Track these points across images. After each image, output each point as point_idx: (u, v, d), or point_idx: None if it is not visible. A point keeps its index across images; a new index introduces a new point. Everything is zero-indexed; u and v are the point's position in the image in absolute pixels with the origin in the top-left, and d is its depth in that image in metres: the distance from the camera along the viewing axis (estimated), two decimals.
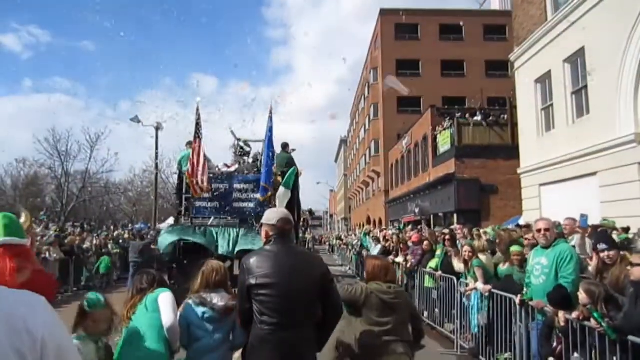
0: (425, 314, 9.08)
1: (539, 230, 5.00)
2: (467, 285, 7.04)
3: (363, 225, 40.68)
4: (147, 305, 3.14)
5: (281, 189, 9.01)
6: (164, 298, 3.19)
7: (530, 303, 4.82)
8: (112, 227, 30.56)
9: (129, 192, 42.67)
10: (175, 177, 35.15)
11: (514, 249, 6.29)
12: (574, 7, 11.66)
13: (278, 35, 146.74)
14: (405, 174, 30.04)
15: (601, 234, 5.90)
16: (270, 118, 9.24)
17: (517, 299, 5.06)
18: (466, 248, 6.68)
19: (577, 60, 11.98)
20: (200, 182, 8.79)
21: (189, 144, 9.61)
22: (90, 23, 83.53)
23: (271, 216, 2.99)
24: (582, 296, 3.84)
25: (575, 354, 3.92)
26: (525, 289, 5.04)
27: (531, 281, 5.07)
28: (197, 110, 9.17)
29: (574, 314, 3.94)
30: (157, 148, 26.10)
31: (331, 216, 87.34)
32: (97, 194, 37.90)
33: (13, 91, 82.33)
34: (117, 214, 47.06)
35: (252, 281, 2.72)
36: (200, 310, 3.21)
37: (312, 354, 2.83)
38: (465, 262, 6.86)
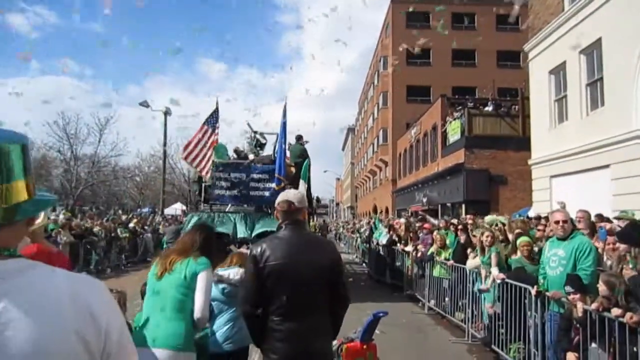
0: (432, 302, 9.16)
1: (557, 222, 5.00)
2: (479, 274, 7.09)
3: (369, 214, 40.76)
4: (187, 274, 2.95)
5: (301, 182, 9.44)
6: (202, 278, 2.97)
7: (547, 294, 4.85)
8: (120, 212, 30.83)
9: (137, 176, 42.87)
10: (183, 162, 35.14)
11: (522, 240, 6.29)
12: None
13: (289, 20, 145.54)
14: (413, 164, 29.98)
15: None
16: (284, 113, 9.68)
17: (533, 290, 5.08)
18: (487, 234, 6.68)
19: (593, 51, 11.85)
20: (204, 167, 9.64)
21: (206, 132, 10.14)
22: (97, 6, 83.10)
23: (278, 199, 2.92)
24: (601, 287, 3.87)
25: (593, 344, 3.96)
26: (541, 280, 5.06)
27: (547, 272, 5.09)
28: (217, 104, 10.25)
29: (594, 305, 3.97)
30: (165, 133, 26.24)
31: (337, 204, 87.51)
32: (105, 177, 38.11)
33: (21, 73, 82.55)
34: (123, 198, 47.43)
35: (262, 269, 2.62)
36: (219, 287, 3.64)
37: (326, 343, 2.80)
38: (482, 250, 6.88)
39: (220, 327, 3.62)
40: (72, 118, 33.84)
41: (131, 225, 18.11)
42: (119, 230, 16.67)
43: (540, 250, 5.79)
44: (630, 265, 4.28)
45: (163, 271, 2.98)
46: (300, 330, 2.57)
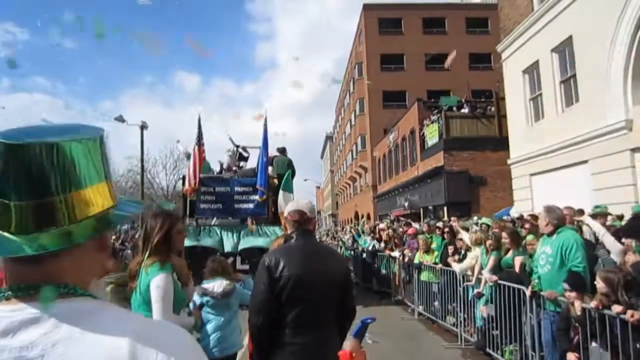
0: (422, 307, 9.03)
1: (540, 219, 4.94)
2: (468, 278, 6.99)
3: (351, 221, 40.66)
4: (141, 288, 2.61)
5: (281, 192, 9.59)
6: (154, 285, 2.56)
7: (543, 294, 4.75)
8: None
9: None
10: (162, 175, 34.44)
11: (530, 238, 6.19)
12: None
13: (262, 30, 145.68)
14: (393, 169, 30.04)
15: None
16: (265, 127, 9.96)
17: (528, 291, 4.98)
18: (489, 242, 6.51)
19: (564, 49, 12.03)
20: (190, 184, 9.81)
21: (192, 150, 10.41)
22: (68, 21, 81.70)
23: (288, 208, 2.86)
24: (599, 284, 3.78)
25: (594, 344, 3.85)
26: (535, 280, 4.96)
27: (538, 270, 5.00)
28: (199, 120, 10.36)
29: (593, 303, 3.88)
30: (142, 148, 25.67)
31: (319, 212, 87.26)
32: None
33: None
34: None
35: (277, 279, 2.52)
36: (204, 299, 3.88)
37: (336, 356, 2.68)
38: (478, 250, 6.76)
39: (209, 334, 3.80)
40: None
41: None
42: None
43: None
44: (634, 250, 4.21)
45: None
46: (313, 343, 2.49)
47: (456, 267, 7.51)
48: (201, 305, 3.78)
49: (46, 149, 0.75)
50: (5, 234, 0.76)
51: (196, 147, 10.12)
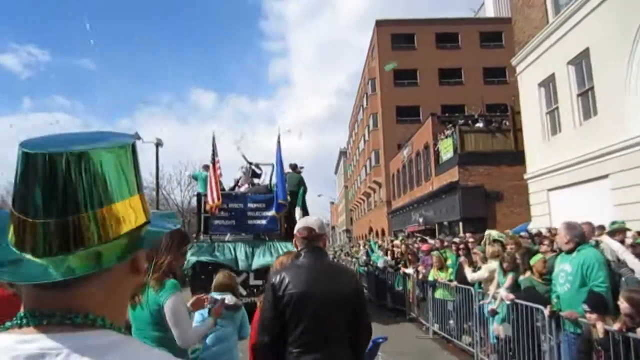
0: (437, 326, 8.78)
1: (559, 235, 4.73)
2: (485, 296, 6.75)
3: (365, 237, 40.31)
4: (150, 307, 2.63)
5: (298, 210, 9.87)
6: (170, 311, 2.62)
7: (562, 314, 4.52)
8: None
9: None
10: (177, 192, 34.86)
11: (537, 258, 5.96)
12: (576, 8, 11.53)
13: (276, 47, 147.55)
14: (407, 184, 29.80)
15: None
16: (279, 144, 10.22)
17: (547, 311, 4.75)
18: (505, 265, 6.27)
19: (581, 62, 11.82)
20: (213, 201, 9.90)
21: (206, 167, 10.67)
22: (88, 41, 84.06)
23: (297, 226, 2.83)
24: (623, 305, 3.57)
25: None
26: (554, 300, 4.74)
27: (557, 289, 4.78)
28: (213, 139, 10.54)
29: (616, 325, 3.66)
30: (157, 164, 25.95)
31: (333, 228, 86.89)
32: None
33: (13, 111, 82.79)
34: None
35: (280, 297, 2.49)
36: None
37: None
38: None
39: (210, 346, 3.74)
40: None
41: None
42: None
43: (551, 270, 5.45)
44: None
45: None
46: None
47: (469, 273, 7.32)
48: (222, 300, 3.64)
49: (73, 158, 0.66)
50: (28, 256, 0.67)
51: (211, 165, 10.30)
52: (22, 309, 0.69)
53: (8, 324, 0.68)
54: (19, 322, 0.67)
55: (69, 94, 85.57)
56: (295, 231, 2.82)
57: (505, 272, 6.20)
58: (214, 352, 3.73)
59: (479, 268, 7.46)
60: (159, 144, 25.44)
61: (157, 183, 27.28)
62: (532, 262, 5.80)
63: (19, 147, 0.66)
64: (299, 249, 2.76)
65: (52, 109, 76.85)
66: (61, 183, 0.65)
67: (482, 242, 8.45)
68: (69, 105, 79.90)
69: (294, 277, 2.54)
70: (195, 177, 10.95)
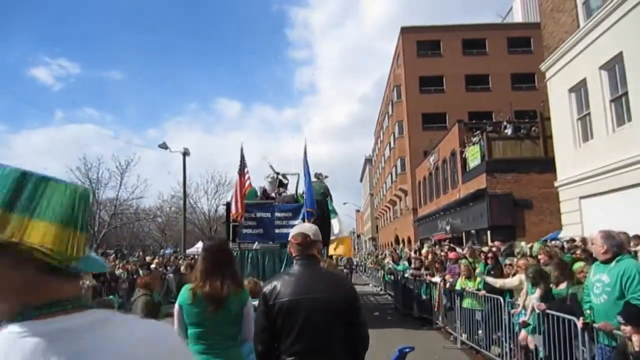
0: (465, 336, 8.63)
1: (596, 244, 4.60)
2: (515, 305, 6.62)
3: (391, 245, 40.00)
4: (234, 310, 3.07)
5: (334, 221, 10.23)
6: (252, 310, 3.13)
7: (596, 326, 4.40)
8: (141, 253, 30.87)
9: (158, 217, 43.17)
10: (203, 200, 35.50)
11: (577, 266, 5.82)
12: (608, 12, 11.27)
13: (302, 55, 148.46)
14: (433, 191, 29.49)
15: None
16: (305, 154, 10.44)
17: (580, 322, 4.63)
18: (542, 256, 6.19)
19: (614, 66, 11.52)
20: (237, 211, 10.19)
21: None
22: (116, 53, 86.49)
23: (292, 232, 2.79)
24: None
25: None
26: (587, 311, 4.61)
27: (591, 300, 4.65)
28: (242, 150, 10.79)
29: None
30: (184, 173, 26.47)
31: (358, 236, 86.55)
32: (127, 220, 38.41)
33: (46, 123, 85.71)
34: (146, 239, 47.66)
35: (272, 306, 2.49)
36: None
37: None
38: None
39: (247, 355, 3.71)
40: (94, 163, 34.43)
41: (152, 266, 17.94)
42: (140, 272, 16.50)
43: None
44: None
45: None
46: None
47: (493, 280, 7.22)
48: None
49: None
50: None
51: (238, 176, 10.57)
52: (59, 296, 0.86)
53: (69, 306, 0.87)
54: (66, 306, 0.86)
55: (98, 106, 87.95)
56: (290, 237, 2.78)
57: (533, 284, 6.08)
58: None
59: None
60: (186, 153, 25.96)
61: (185, 192, 27.80)
62: (574, 268, 5.68)
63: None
64: (293, 255, 2.72)
65: (83, 121, 79.18)
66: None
67: (516, 252, 8.32)
68: (99, 116, 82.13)
69: (285, 285, 2.53)
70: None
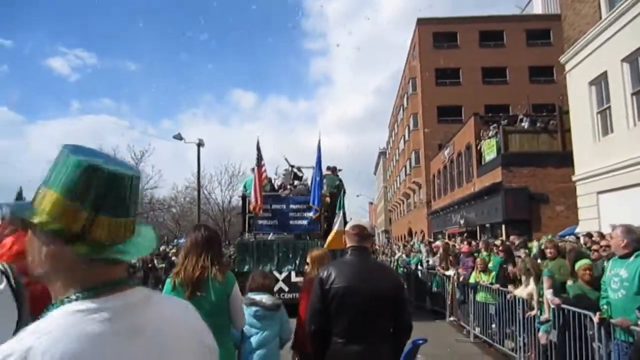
0: (478, 329, 8.60)
1: (616, 238, 4.53)
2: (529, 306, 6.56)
3: (404, 237, 39.88)
4: (218, 297, 2.96)
5: (338, 212, 9.87)
6: (239, 297, 3.15)
7: (613, 322, 4.34)
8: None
9: (173, 208, 43.58)
10: (217, 191, 35.69)
11: (582, 263, 5.75)
12: (632, 3, 10.99)
13: (317, 46, 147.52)
14: (448, 185, 29.28)
15: None
16: (319, 147, 10.53)
17: (596, 317, 4.57)
18: (550, 249, 6.14)
19: (637, 59, 11.25)
20: (257, 202, 10.36)
21: (253, 170, 11.10)
22: (132, 43, 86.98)
23: (350, 223, 3.02)
24: None
25: None
26: (604, 306, 4.55)
27: (609, 295, 4.59)
28: (257, 143, 10.94)
29: None
30: (199, 164, 26.62)
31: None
32: (142, 210, 38.91)
33: (63, 114, 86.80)
34: (161, 229, 48.21)
35: (327, 291, 2.69)
36: (252, 309, 3.70)
37: None
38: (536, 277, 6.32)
39: (253, 350, 3.67)
40: (110, 153, 34.81)
41: (173, 258, 18.04)
42: (155, 261, 16.68)
43: (601, 275, 5.23)
44: None
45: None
46: (361, 353, 2.60)
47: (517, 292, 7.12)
48: None
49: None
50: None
51: (256, 168, 10.71)
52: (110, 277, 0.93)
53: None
54: (121, 284, 0.94)
55: (114, 96, 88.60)
56: (347, 227, 2.99)
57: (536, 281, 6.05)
58: (258, 357, 3.61)
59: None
60: (200, 144, 26.09)
61: (199, 183, 27.99)
62: (576, 266, 5.61)
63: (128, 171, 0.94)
64: (348, 245, 2.92)
65: (99, 112, 79.93)
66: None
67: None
68: (115, 107, 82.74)
69: (340, 272, 2.73)
70: (244, 185, 11.77)
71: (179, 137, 25.34)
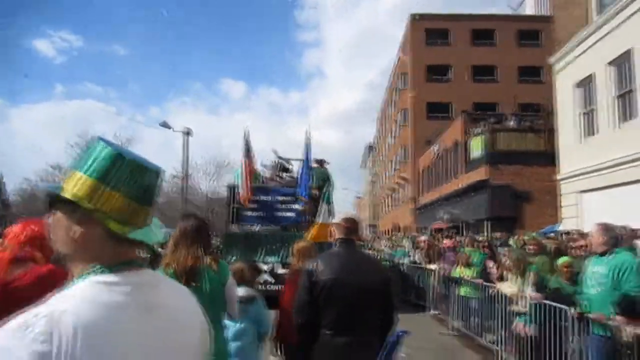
0: (459, 323, 8.77)
1: (594, 237, 4.68)
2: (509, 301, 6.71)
3: (390, 232, 40.18)
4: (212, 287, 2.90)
5: (322, 204, 9.78)
6: (235, 287, 3.17)
7: (590, 316, 4.49)
8: None
9: (158, 197, 43.20)
10: (203, 181, 35.31)
11: (562, 260, 5.91)
12: (621, 8, 11.19)
13: (310, 38, 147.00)
14: (434, 181, 29.54)
15: None
16: (307, 140, 10.49)
17: (574, 312, 4.72)
18: (532, 246, 6.29)
19: (622, 63, 11.48)
20: (246, 194, 10.27)
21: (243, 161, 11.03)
22: (120, 27, 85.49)
23: (340, 216, 3.08)
24: None
25: None
26: (581, 301, 4.70)
27: (587, 291, 4.74)
28: (245, 134, 10.77)
29: None
30: (186, 153, 26.36)
31: None
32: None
33: (46, 97, 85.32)
34: None
35: (315, 283, 2.70)
36: None
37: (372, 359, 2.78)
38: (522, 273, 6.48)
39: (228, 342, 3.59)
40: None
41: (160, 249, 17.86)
42: (138, 251, 16.48)
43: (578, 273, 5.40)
44: None
45: None
46: (349, 345, 2.63)
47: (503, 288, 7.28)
48: None
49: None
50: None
51: (245, 160, 10.61)
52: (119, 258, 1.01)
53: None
54: (131, 264, 1.03)
55: (102, 81, 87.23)
56: (338, 219, 3.02)
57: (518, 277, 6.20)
58: (234, 349, 3.49)
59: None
60: (188, 133, 25.80)
61: (186, 172, 27.69)
62: (558, 262, 5.76)
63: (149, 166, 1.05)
64: (337, 237, 2.95)
65: (85, 96, 78.76)
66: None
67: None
68: (102, 92, 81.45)
69: (329, 264, 2.75)
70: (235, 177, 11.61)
71: (165, 125, 25.02)
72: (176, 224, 3.05)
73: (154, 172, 1.06)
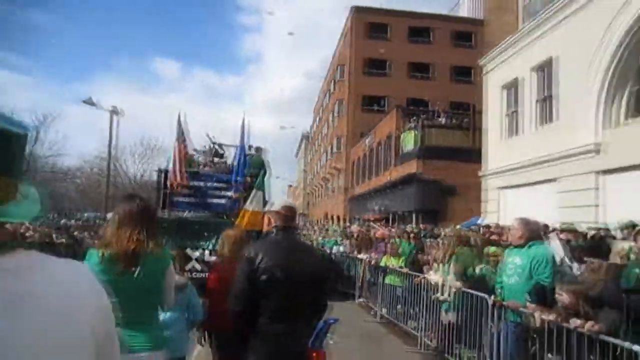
0: (384, 310, 9.07)
1: (513, 230, 4.99)
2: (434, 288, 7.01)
3: (321, 221, 40.67)
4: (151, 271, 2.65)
5: (254, 191, 9.59)
6: (174, 273, 2.90)
7: (505, 303, 4.79)
8: (56, 215, 28.52)
9: (77, 178, 40.57)
10: (130, 163, 33.45)
11: (492, 250, 6.26)
12: (547, 16, 11.94)
13: (251, 22, 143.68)
14: (367, 172, 30.21)
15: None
16: (243, 125, 10.41)
17: (490, 300, 5.02)
18: (455, 237, 6.57)
19: (545, 69, 12.29)
20: (177, 179, 9.88)
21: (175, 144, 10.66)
22: None
23: (280, 203, 3.05)
24: (562, 297, 3.83)
25: (550, 355, 3.90)
26: (498, 290, 5.01)
27: (503, 280, 5.05)
28: (179, 117, 10.41)
29: (552, 316, 3.92)
30: (110, 133, 24.81)
31: None
32: (42, 179, 35.78)
33: None
34: (62, 201, 44.71)
35: (255, 270, 2.66)
36: None
37: (306, 346, 2.79)
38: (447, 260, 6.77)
39: None
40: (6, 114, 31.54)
41: (75, 232, 16.51)
42: (54, 236, 14.98)
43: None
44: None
45: None
46: (287, 333, 2.64)
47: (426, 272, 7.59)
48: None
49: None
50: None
51: (177, 144, 10.17)
52: None
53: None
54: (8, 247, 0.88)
55: (18, 50, 79.62)
56: (277, 207, 2.99)
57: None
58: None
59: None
60: (114, 112, 24.28)
61: (110, 153, 26.01)
62: (485, 252, 6.09)
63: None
64: (275, 225, 2.94)
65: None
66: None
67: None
68: (17, 62, 74.16)
69: (268, 252, 2.73)
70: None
71: (90, 102, 23.35)
72: (101, 206, 2.83)
73: (13, 135, 0.86)
